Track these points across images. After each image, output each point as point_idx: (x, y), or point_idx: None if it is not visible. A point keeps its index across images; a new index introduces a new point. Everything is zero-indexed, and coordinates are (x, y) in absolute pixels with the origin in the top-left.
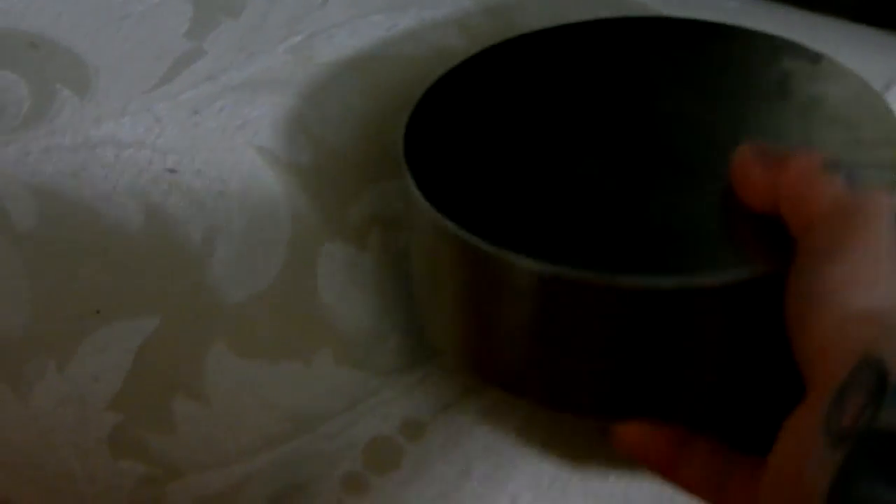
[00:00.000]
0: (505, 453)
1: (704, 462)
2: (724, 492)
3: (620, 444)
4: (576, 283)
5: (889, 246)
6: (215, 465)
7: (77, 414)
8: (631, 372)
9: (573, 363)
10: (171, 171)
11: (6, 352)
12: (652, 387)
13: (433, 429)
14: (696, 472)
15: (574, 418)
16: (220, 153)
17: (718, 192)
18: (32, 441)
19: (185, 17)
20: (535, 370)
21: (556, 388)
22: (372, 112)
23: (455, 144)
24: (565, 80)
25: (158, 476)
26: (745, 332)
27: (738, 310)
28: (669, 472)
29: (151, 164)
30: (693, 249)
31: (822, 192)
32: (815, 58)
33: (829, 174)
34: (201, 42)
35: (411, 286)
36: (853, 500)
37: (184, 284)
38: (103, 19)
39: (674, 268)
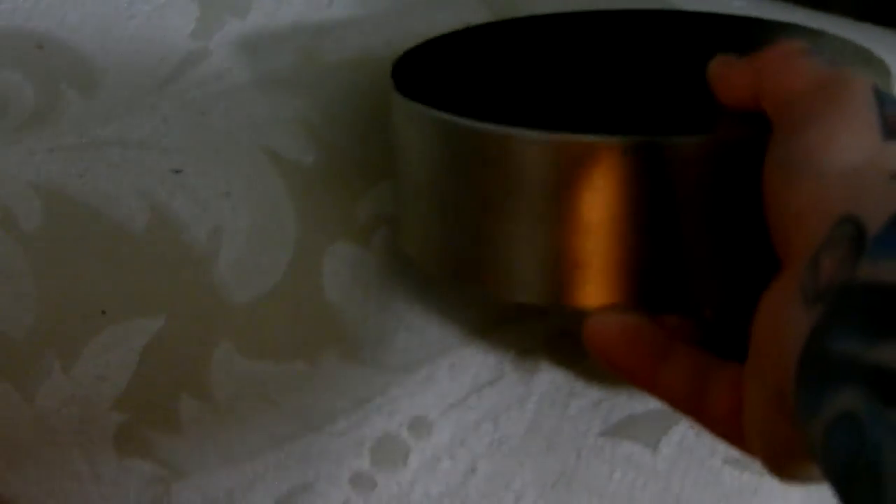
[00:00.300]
0: (510, 451)
1: (684, 370)
2: (703, 401)
3: (599, 351)
4: (586, 146)
5: (866, 111)
6: (222, 465)
7: (83, 413)
8: (622, 241)
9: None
10: (177, 171)
11: (11, 352)
12: (639, 260)
13: (440, 427)
14: (675, 380)
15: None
16: (226, 153)
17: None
18: (38, 441)
19: (190, 18)
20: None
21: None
22: (377, 112)
23: (445, 75)
24: (560, 62)
25: (164, 475)
26: (727, 193)
27: (719, 169)
28: (648, 381)
29: (157, 163)
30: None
31: (803, 71)
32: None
33: (810, 56)
34: (207, 42)
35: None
36: (827, 355)
37: (189, 284)
38: (109, 19)
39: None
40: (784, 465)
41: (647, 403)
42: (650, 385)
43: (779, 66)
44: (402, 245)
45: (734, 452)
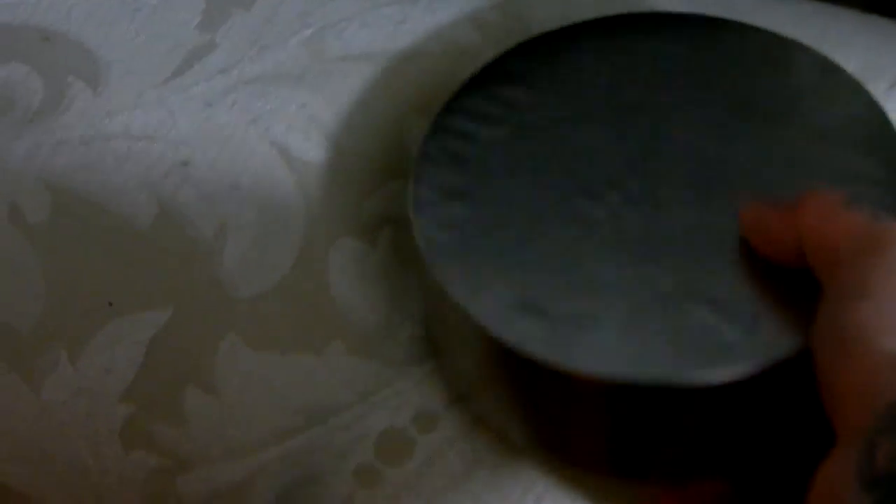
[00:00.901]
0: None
1: None
2: None
3: None
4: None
5: None
6: (227, 458)
7: (89, 406)
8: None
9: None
10: (184, 164)
11: (19, 344)
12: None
13: (445, 420)
14: None
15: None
16: (233, 147)
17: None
18: (45, 433)
19: (197, 10)
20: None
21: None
22: (384, 108)
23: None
24: (581, 95)
25: (170, 468)
26: (780, 402)
27: (775, 388)
28: None
29: (164, 157)
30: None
31: (846, 228)
32: (824, 65)
33: (852, 209)
34: (213, 35)
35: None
36: None
37: (195, 278)
38: (115, 12)
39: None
40: None
41: None
42: None
43: (819, 220)
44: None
45: None
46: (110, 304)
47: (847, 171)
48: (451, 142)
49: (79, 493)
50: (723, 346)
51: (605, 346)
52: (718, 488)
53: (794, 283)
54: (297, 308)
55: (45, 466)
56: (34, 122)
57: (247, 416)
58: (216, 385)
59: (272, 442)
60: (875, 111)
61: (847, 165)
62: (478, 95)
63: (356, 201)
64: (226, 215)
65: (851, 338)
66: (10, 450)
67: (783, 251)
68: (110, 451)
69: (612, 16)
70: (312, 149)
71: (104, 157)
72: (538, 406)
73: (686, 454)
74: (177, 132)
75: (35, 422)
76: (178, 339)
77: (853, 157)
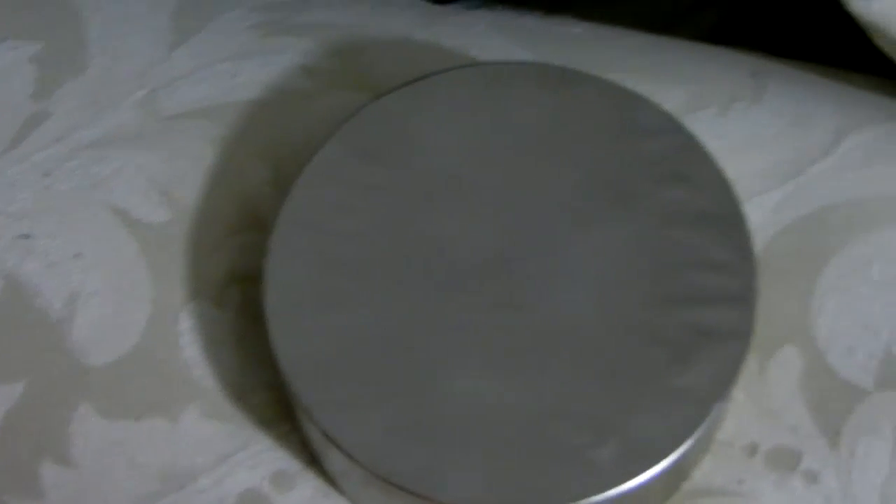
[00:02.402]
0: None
1: None
2: None
3: None
4: None
5: None
6: None
7: None
8: None
9: None
10: (25, 236)
11: None
12: None
13: (303, 480)
14: None
15: None
16: (75, 215)
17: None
18: None
19: (30, 78)
20: None
21: None
22: (223, 161)
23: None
24: (431, 170)
25: None
26: None
27: None
28: None
29: (5, 230)
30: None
31: None
32: (670, 125)
33: None
34: (48, 102)
35: None
36: None
37: (46, 349)
38: None
39: None
40: None
41: None
42: None
43: None
44: None
45: None
46: None
47: (700, 260)
48: (302, 237)
49: None
50: (594, 469)
51: (474, 474)
52: None
53: (665, 390)
54: (151, 374)
55: None
56: None
57: (105, 485)
58: (72, 457)
59: None
60: (722, 185)
61: (699, 251)
62: (327, 179)
63: (202, 262)
64: (72, 285)
65: None
66: None
67: None
68: None
69: (457, 68)
70: (153, 210)
71: None
72: None
73: None
74: (18, 204)
75: None
76: (31, 413)
77: (705, 242)
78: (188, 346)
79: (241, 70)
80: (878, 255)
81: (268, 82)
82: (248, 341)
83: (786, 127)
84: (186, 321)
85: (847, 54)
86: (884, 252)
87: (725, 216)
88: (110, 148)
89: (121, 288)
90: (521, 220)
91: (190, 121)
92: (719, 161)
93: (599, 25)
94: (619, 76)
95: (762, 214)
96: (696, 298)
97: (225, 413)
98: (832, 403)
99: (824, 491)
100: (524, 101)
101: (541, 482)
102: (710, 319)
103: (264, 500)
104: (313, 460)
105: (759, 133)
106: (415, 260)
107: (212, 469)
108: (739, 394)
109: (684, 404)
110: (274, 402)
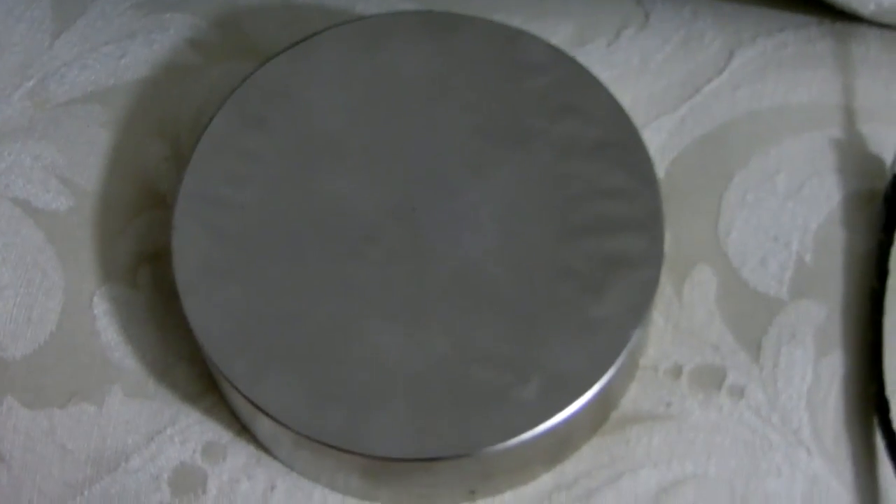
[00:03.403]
0: (305, 463)
1: None
2: None
3: None
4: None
5: None
6: None
7: None
8: None
9: None
10: None
11: None
12: None
13: (234, 449)
14: None
15: None
16: None
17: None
18: None
19: None
20: None
21: None
22: (118, 142)
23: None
24: (322, 132)
25: None
26: None
27: None
28: None
29: None
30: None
31: None
32: (559, 59)
33: None
34: None
35: None
36: None
37: None
38: None
39: None
40: None
41: None
42: None
43: None
44: None
45: None
46: None
47: (602, 190)
48: (204, 211)
49: None
50: (519, 407)
51: (400, 425)
52: None
53: (582, 322)
54: (71, 361)
55: None
56: None
57: (37, 476)
58: (1, 452)
59: (68, 497)
60: (617, 113)
61: (600, 181)
62: (221, 150)
63: (109, 245)
64: None
65: None
66: None
67: None
68: None
69: (339, 25)
70: (55, 199)
71: None
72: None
73: None
74: None
75: None
76: None
77: (605, 171)
78: (105, 330)
79: (126, 50)
80: (781, 167)
81: (154, 60)
82: (164, 318)
83: (675, 50)
84: (100, 305)
85: None
86: (786, 163)
87: (624, 144)
88: (4, 142)
89: (31, 279)
90: (420, 169)
91: (81, 106)
92: (612, 90)
93: None
94: (505, 16)
95: (661, 139)
96: (602, 228)
97: (149, 391)
98: (750, 317)
99: (751, 404)
100: (411, 50)
101: (467, 426)
102: (619, 247)
103: (198, 472)
104: (243, 429)
105: (649, 58)
106: (318, 221)
107: (142, 448)
108: (658, 318)
109: (603, 334)
110: (196, 376)
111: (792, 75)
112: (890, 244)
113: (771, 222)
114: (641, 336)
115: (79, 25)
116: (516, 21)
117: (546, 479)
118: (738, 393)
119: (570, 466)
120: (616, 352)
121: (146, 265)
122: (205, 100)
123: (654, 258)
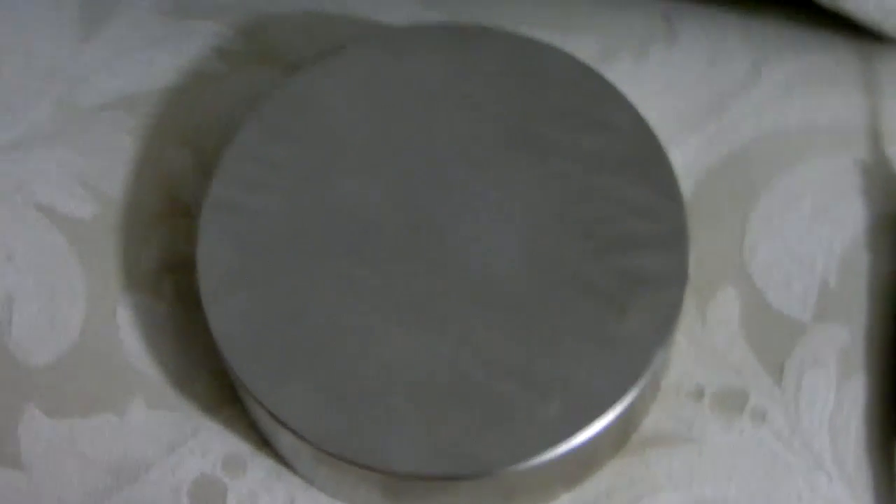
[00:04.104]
0: (325, 478)
1: None
2: None
3: None
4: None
5: None
6: None
7: None
8: None
9: None
10: None
11: None
12: None
13: (255, 463)
14: None
15: None
16: (1, 218)
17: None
18: None
19: None
20: None
21: None
22: (145, 150)
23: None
24: (344, 141)
25: None
26: None
27: None
28: None
29: None
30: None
31: None
32: (584, 73)
33: None
34: None
35: None
36: None
37: None
38: None
39: None
40: None
41: None
42: None
43: None
44: None
45: None
46: None
47: (628, 207)
48: (228, 220)
49: None
50: (540, 426)
51: (423, 443)
52: None
53: (605, 340)
54: (93, 369)
55: None
56: None
57: (57, 485)
58: (22, 459)
59: None
60: (643, 130)
61: (625, 198)
62: (246, 159)
63: (133, 253)
64: (6, 288)
65: None
66: None
67: None
68: None
69: (365, 36)
70: (79, 206)
71: None
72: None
73: None
74: None
75: None
76: None
77: (630, 188)
78: (127, 339)
79: (153, 58)
80: (806, 189)
81: (180, 68)
82: (186, 328)
83: (703, 67)
84: (123, 313)
85: None
86: (812, 184)
87: (650, 161)
88: (30, 148)
89: (55, 286)
90: (445, 181)
91: (107, 113)
92: (639, 107)
93: None
94: (531, 30)
95: (687, 157)
96: (627, 246)
97: (171, 402)
98: (774, 340)
99: (773, 428)
100: (436, 63)
101: (489, 444)
102: (643, 266)
103: (218, 485)
104: (264, 442)
105: (676, 76)
106: (342, 231)
107: (163, 459)
108: (681, 339)
109: (625, 354)
110: (218, 387)
111: (819, 96)
112: None
113: (796, 244)
114: (664, 357)
115: (106, 32)
116: (542, 35)
117: (565, 500)
118: (760, 416)
119: (590, 487)
120: (639, 372)
121: (170, 274)
122: (230, 108)
123: (678, 278)
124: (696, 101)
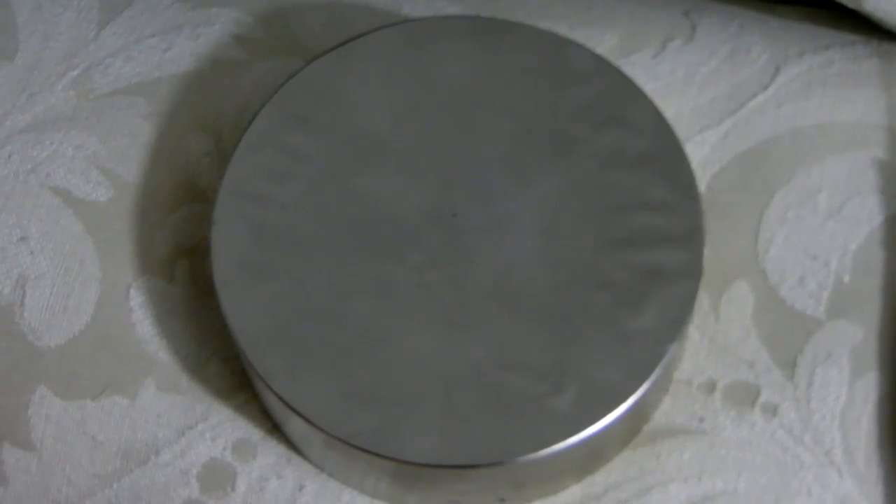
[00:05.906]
0: (335, 465)
1: None
2: None
3: None
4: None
5: None
6: None
7: None
8: None
9: None
10: None
11: None
12: None
13: (265, 448)
14: None
15: None
16: (16, 199)
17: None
18: None
19: None
20: None
21: None
22: (160, 134)
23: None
24: (366, 133)
25: None
26: None
27: None
28: None
29: None
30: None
31: None
32: (604, 69)
33: None
34: None
35: None
36: None
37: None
38: None
39: None
40: None
41: None
42: None
43: None
44: None
45: None
46: None
47: (644, 201)
48: (244, 207)
49: None
50: (553, 417)
51: (433, 431)
52: None
53: (619, 333)
54: (105, 352)
55: None
56: None
57: (67, 466)
58: (33, 440)
59: (96, 488)
60: (661, 125)
61: (642, 193)
62: (264, 147)
63: (147, 237)
64: (20, 269)
65: None
66: None
67: None
68: None
69: (386, 27)
70: (95, 189)
71: None
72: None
73: None
74: None
75: None
76: None
77: (647, 183)
78: (140, 322)
79: (171, 43)
80: (822, 185)
81: (199, 54)
82: (199, 313)
83: (721, 63)
84: (137, 297)
85: None
86: (828, 182)
87: (667, 156)
88: (46, 130)
89: (69, 268)
90: (462, 174)
91: (124, 98)
92: (657, 102)
93: None
94: (551, 24)
95: (704, 152)
96: (643, 240)
97: (182, 386)
98: (786, 336)
99: (784, 423)
100: (456, 55)
101: (500, 434)
102: (658, 260)
103: (228, 469)
104: (274, 428)
105: (694, 71)
106: (358, 221)
107: (173, 442)
108: (694, 332)
109: (639, 347)
110: (230, 373)
111: (837, 93)
112: None
113: (811, 241)
114: (677, 350)
115: (125, 17)
116: (562, 29)
117: (575, 490)
118: (772, 411)
119: (601, 478)
120: (652, 365)
121: (184, 259)
122: (248, 96)
123: (692, 272)
124: (715, 97)
